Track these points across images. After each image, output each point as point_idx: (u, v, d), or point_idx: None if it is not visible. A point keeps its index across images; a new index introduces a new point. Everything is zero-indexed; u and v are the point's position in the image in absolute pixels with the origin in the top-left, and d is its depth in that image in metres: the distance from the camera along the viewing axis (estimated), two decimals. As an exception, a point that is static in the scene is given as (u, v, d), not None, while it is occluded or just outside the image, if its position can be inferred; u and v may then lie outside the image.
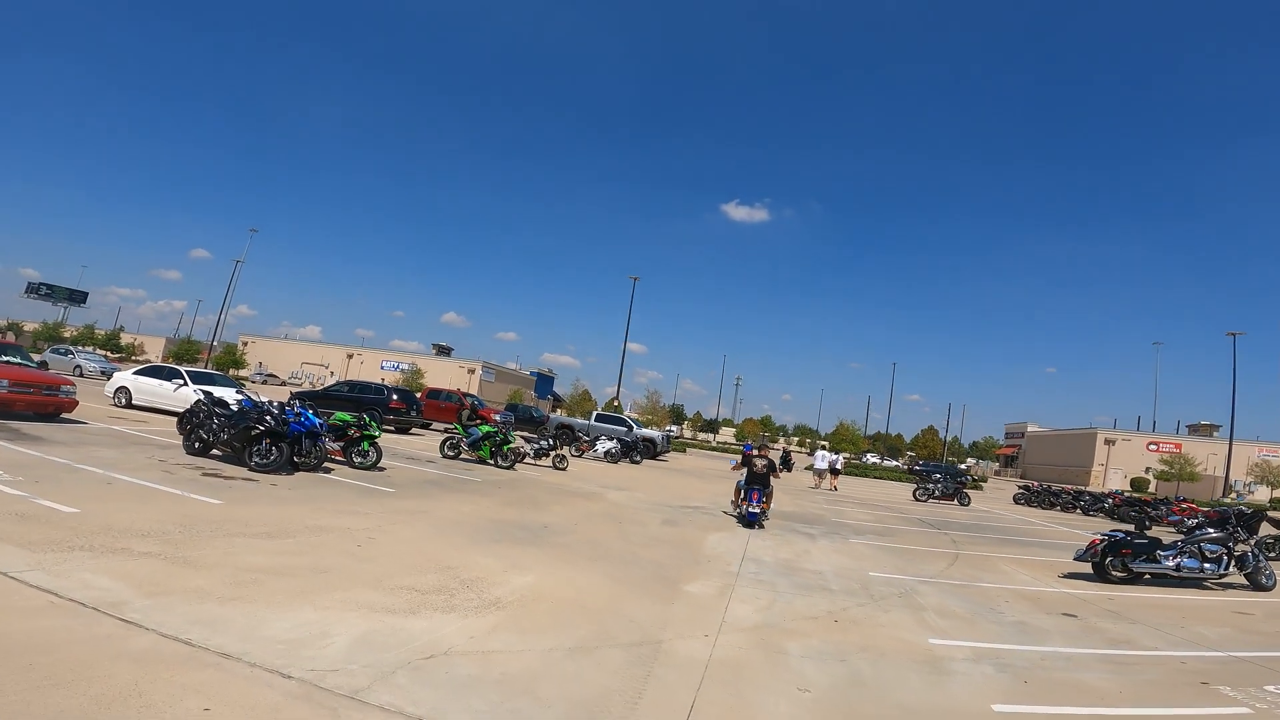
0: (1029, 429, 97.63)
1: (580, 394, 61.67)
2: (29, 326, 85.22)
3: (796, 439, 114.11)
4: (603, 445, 25.23)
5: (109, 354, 67.44)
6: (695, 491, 18.12)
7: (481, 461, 16.51)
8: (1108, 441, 77.38)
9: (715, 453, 57.35)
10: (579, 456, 24.01)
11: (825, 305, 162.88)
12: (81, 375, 30.83)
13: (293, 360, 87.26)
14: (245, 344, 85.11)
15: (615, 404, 44.14)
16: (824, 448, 35.55)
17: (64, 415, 12.36)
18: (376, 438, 12.30)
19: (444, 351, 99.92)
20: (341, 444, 12.08)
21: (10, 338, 70.09)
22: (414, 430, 24.55)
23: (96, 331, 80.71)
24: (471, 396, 31.81)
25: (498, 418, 28.70)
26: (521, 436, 19.12)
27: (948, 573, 9.91)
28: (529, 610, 5.28)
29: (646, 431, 32.97)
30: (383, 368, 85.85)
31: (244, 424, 10.03)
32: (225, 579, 4.78)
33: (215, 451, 10.55)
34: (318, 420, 11.02)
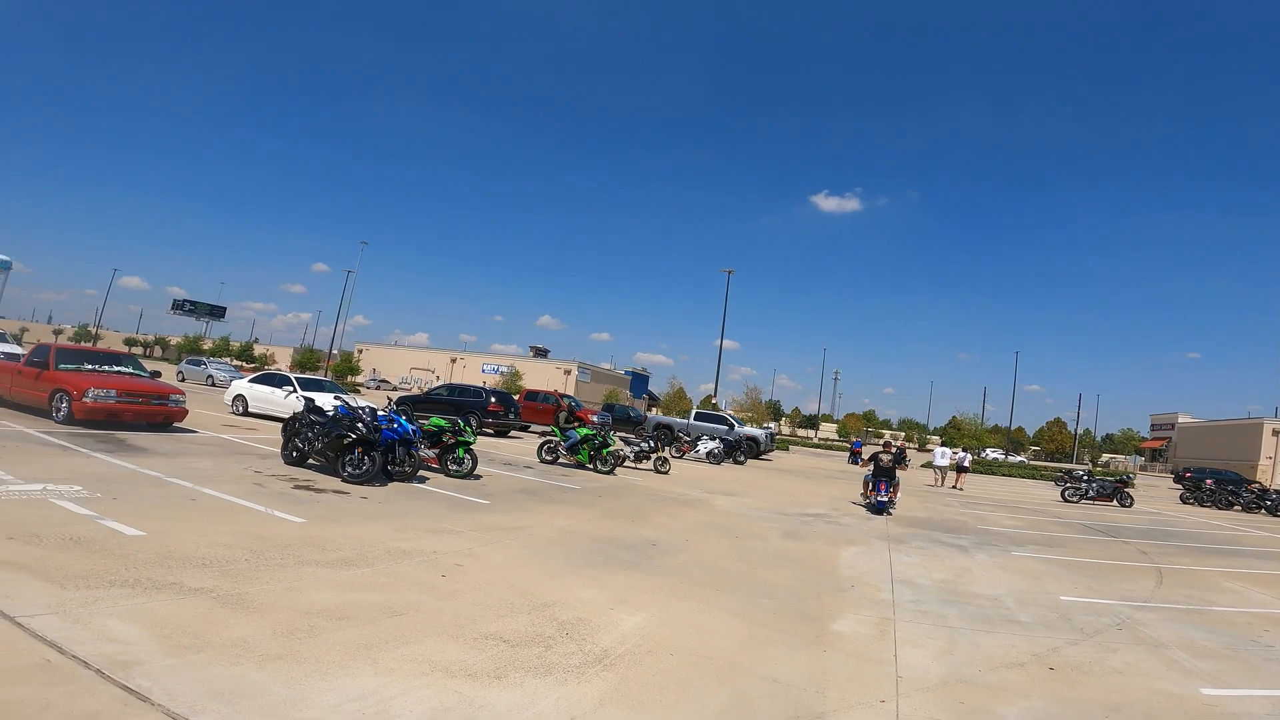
0: (1180, 420, 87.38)
1: (676, 392, 60.70)
2: (174, 340, 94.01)
3: (903, 434, 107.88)
4: (704, 445, 24.00)
5: (242, 364, 73.09)
6: (810, 495, 16.52)
7: (580, 466, 15.67)
8: (1276, 433, 67.76)
9: (819, 450, 54.67)
10: (679, 458, 22.87)
11: (927, 294, 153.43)
12: (213, 384, 32.89)
13: (403, 366, 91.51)
14: (360, 351, 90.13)
15: (712, 401, 42.70)
16: (943, 443, 32.59)
17: (175, 425, 12.51)
18: (471, 444, 11.64)
19: (541, 353, 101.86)
20: (436, 451, 11.50)
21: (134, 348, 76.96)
22: (512, 433, 24.28)
23: (232, 344, 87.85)
24: (568, 398, 31.41)
25: (595, 418, 28.04)
26: (620, 438, 18.16)
27: (1161, 594, 8.00)
28: (643, 668, 4.13)
29: (749, 429, 31.43)
30: (483, 370, 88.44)
31: (336, 432, 9.55)
32: (277, 626, 3.92)
33: (312, 461, 10.15)
34: (411, 427, 10.43)
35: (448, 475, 11.37)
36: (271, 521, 6.69)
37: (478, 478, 11.73)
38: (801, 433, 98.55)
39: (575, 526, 8.81)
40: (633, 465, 17.38)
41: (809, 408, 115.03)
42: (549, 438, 16.20)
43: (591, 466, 15.53)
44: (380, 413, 10.79)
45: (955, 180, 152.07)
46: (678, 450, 23.56)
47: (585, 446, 15.50)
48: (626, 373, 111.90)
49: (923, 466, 34.69)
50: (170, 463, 9.20)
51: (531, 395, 30.51)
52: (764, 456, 30.77)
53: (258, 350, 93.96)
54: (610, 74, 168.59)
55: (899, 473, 15.31)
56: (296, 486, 8.72)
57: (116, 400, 11.34)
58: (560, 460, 15.89)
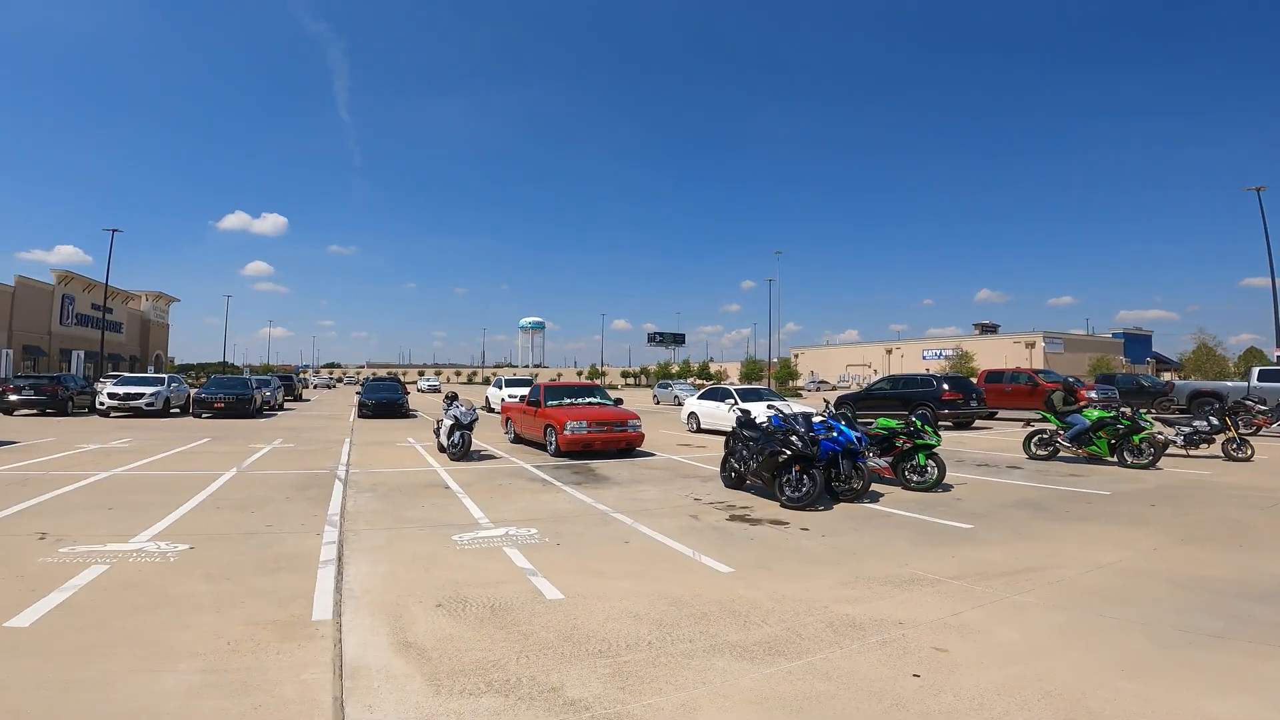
0: None
1: (1201, 349, 44.41)
2: (652, 368, 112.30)
3: None
4: (1298, 415, 15.79)
5: (702, 382, 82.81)
6: None
7: (1094, 459, 11.33)
8: None
9: None
10: (1253, 435, 15.43)
11: None
12: (678, 403, 36.91)
13: (838, 364, 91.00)
14: (796, 356, 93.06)
15: (1278, 356, 29.34)
16: None
17: (636, 449, 13.18)
18: (934, 446, 9.04)
19: (989, 329, 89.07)
20: (889, 459, 9.26)
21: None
22: (976, 423, 20.14)
23: (691, 365, 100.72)
24: (1047, 373, 25.11)
25: (1092, 394, 21.64)
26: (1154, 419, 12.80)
27: None
28: None
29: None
30: (924, 357, 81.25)
31: (770, 449, 8.21)
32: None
33: (751, 482, 9.05)
34: (854, 434, 8.48)
35: (907, 488, 9.01)
36: (694, 571, 5.50)
37: (947, 488, 9.05)
38: None
39: (1134, 562, 5.52)
40: (1182, 453, 11.97)
41: None
42: (1039, 427, 12.24)
43: (1115, 460, 11.05)
44: (817, 419, 9.14)
45: None
46: (1247, 425, 15.98)
47: (1102, 434, 11.12)
48: (1115, 335, 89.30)
49: None
50: (621, 493, 9.17)
51: (994, 376, 25.30)
52: None
53: (713, 368, 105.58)
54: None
55: None
56: (732, 517, 7.61)
57: (588, 430, 12.38)
58: (1060, 455, 11.79)
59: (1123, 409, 11.23)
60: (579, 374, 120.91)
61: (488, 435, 16.70)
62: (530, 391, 14.61)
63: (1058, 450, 11.75)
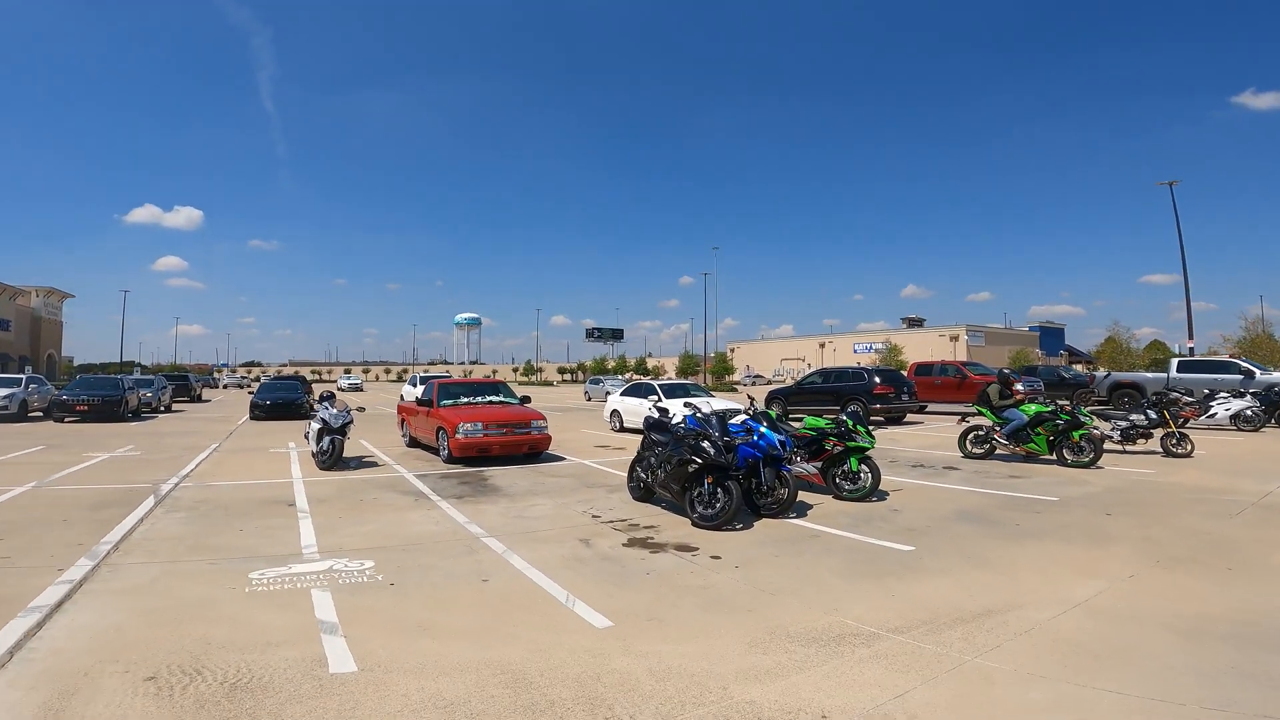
0: None
1: (1113, 342, 46.33)
2: (589, 363, 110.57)
3: None
4: (1222, 406, 15.77)
5: (639, 377, 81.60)
6: None
7: (1032, 458, 10.57)
8: None
9: None
10: (1182, 428, 15.25)
11: None
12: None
13: (773, 359, 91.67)
14: (732, 350, 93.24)
15: (1190, 347, 30.42)
16: None
17: (542, 453, 11.64)
18: (868, 449, 7.93)
19: (915, 323, 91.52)
20: (819, 464, 8.11)
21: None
22: (907, 418, 19.58)
23: (628, 360, 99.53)
24: (975, 365, 24.96)
25: (1020, 388, 21.44)
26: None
27: None
28: None
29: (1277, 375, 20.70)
30: (855, 350, 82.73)
31: (678, 456, 6.87)
32: None
33: (660, 494, 7.70)
34: (776, 437, 7.25)
35: (839, 497, 7.87)
36: (562, 627, 4.09)
37: (883, 496, 7.97)
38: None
39: (1112, 597, 4.45)
40: (1118, 449, 11.38)
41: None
42: (974, 423, 11.43)
43: (1054, 458, 10.30)
44: (736, 420, 7.88)
45: None
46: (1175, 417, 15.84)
47: (1040, 430, 10.34)
48: (1032, 328, 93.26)
49: None
50: (508, 509, 7.68)
51: (923, 369, 24.92)
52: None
53: (650, 363, 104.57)
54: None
55: None
56: (631, 541, 6.24)
57: (485, 434, 10.78)
58: (997, 453, 11.00)
59: (1061, 403, 10.52)
60: (514, 370, 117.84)
61: (388, 439, 14.87)
62: (424, 390, 12.87)
63: (994, 448, 10.95)
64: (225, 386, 62.73)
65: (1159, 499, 7.78)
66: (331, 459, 10.36)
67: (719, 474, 6.61)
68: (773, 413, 9.32)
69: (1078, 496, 7.94)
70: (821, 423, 8.40)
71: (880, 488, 7.95)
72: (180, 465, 11.01)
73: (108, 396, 20.90)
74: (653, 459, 7.56)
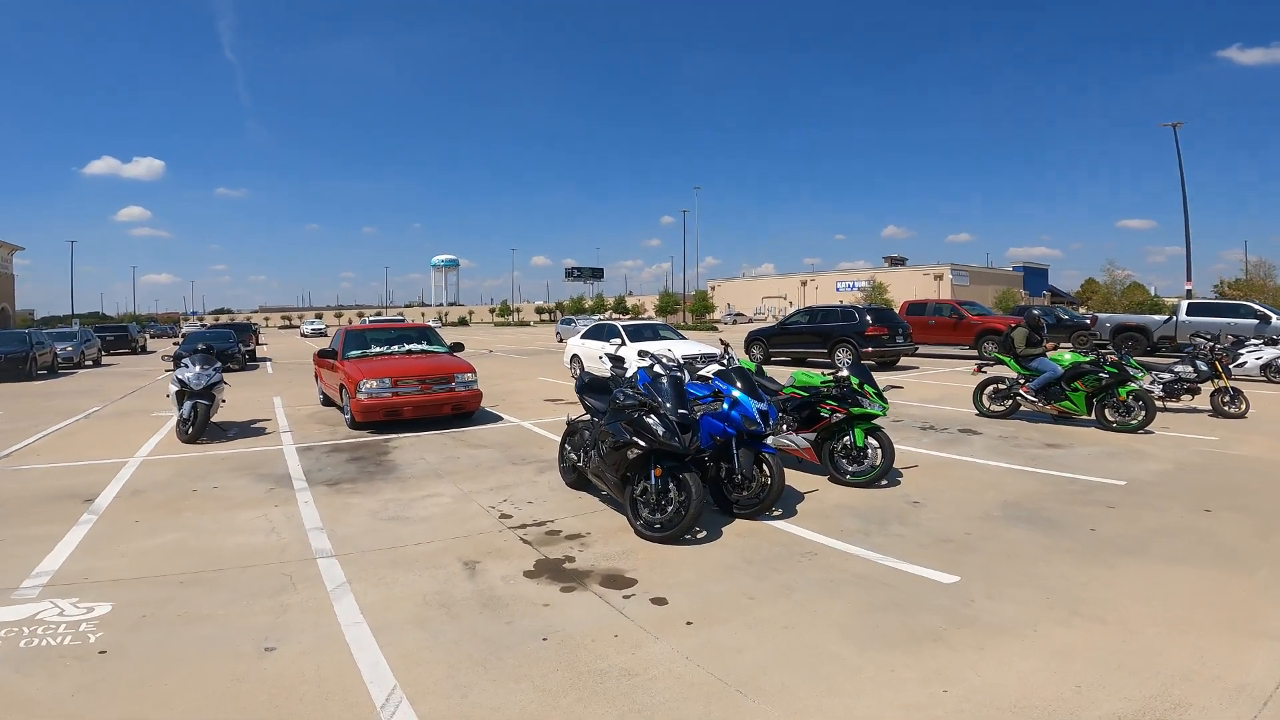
0: None
1: (1095, 285, 44.51)
2: (567, 303, 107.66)
3: None
4: (1253, 355, 14.04)
5: (616, 315, 78.99)
6: None
7: (1064, 418, 8.69)
8: None
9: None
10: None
11: None
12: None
13: (754, 297, 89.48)
14: (713, 288, 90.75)
15: (1188, 289, 28.73)
16: None
17: (472, 411, 9.50)
18: (878, 416, 5.91)
19: (897, 262, 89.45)
20: (812, 434, 6.11)
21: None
22: (901, 362, 17.70)
23: (606, 299, 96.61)
24: (972, 305, 22.98)
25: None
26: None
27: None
28: None
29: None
30: (837, 289, 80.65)
31: (615, 438, 4.76)
32: None
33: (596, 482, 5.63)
34: (757, 406, 5.16)
35: (838, 480, 5.91)
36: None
37: (895, 478, 6.02)
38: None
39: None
40: (1158, 405, 9.54)
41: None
42: (991, 375, 9.49)
43: (1093, 419, 8.42)
44: (711, 369, 5.83)
45: None
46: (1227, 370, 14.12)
47: (1078, 384, 8.42)
48: (1015, 268, 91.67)
49: None
50: (387, 504, 5.61)
51: (916, 308, 22.87)
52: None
53: (630, 301, 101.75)
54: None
55: None
56: (539, 567, 4.23)
57: (392, 392, 8.61)
58: (1022, 410, 9.11)
59: (1105, 352, 8.61)
60: (491, 310, 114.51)
61: (314, 395, 12.64)
62: (332, 339, 10.58)
63: (1017, 405, 9.06)
64: (185, 335, 59.40)
65: (1258, 483, 5.92)
66: (193, 429, 8.18)
67: (672, 462, 4.56)
68: (751, 365, 7.29)
69: (1149, 478, 6.05)
70: (815, 380, 6.35)
71: (890, 467, 5.97)
72: (21, 436, 8.79)
73: (11, 354, 18.34)
74: (587, 434, 5.49)
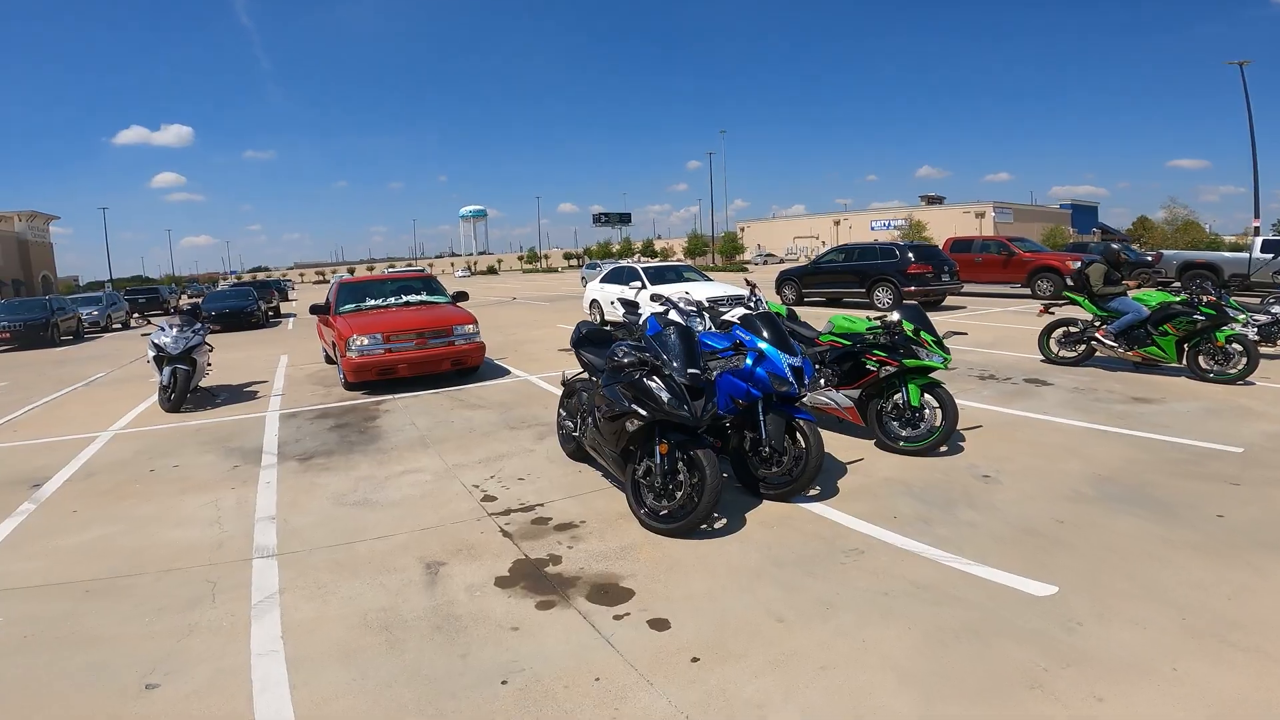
0: None
1: (1179, 220, 41.17)
2: (594, 247, 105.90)
3: None
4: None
5: (644, 258, 76.93)
6: None
7: (1148, 365, 7.52)
8: None
9: None
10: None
11: None
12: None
13: (785, 237, 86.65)
14: (742, 230, 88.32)
15: (1255, 226, 26.23)
16: None
17: (475, 367, 8.69)
18: (938, 369, 4.90)
19: (935, 201, 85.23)
20: (857, 391, 5.14)
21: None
22: (946, 301, 16.36)
23: (634, 243, 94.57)
24: (1024, 241, 21.17)
25: (1078, 265, 18.08)
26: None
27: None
28: None
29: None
30: (872, 228, 77.33)
31: (612, 401, 3.89)
32: None
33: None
34: (787, 361, 4.18)
35: (888, 448, 4.96)
36: None
37: (957, 443, 5.04)
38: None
39: None
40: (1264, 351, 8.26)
41: None
42: (1060, 316, 8.29)
43: (1184, 366, 7.23)
44: (710, 330, 4.90)
45: None
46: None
47: (1169, 329, 7.21)
48: (1063, 206, 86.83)
49: None
50: (358, 484, 4.88)
51: (961, 244, 21.14)
52: None
53: (658, 245, 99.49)
54: None
55: None
56: (514, 571, 3.43)
57: (386, 349, 7.84)
58: (1097, 356, 7.94)
59: (1202, 292, 7.34)
60: (520, 258, 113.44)
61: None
62: (328, 291, 9.81)
63: (1091, 350, 7.90)
64: (205, 294, 60.25)
65: None
66: (175, 396, 7.56)
67: (682, 436, 3.67)
68: (782, 309, 6.33)
69: (1268, 443, 4.94)
70: (859, 325, 5.34)
71: (952, 429, 4.98)
72: (9, 410, 8.34)
73: (31, 321, 18.22)
74: (585, 397, 4.62)
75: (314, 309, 9.53)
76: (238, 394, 8.58)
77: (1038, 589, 2.99)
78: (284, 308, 28.05)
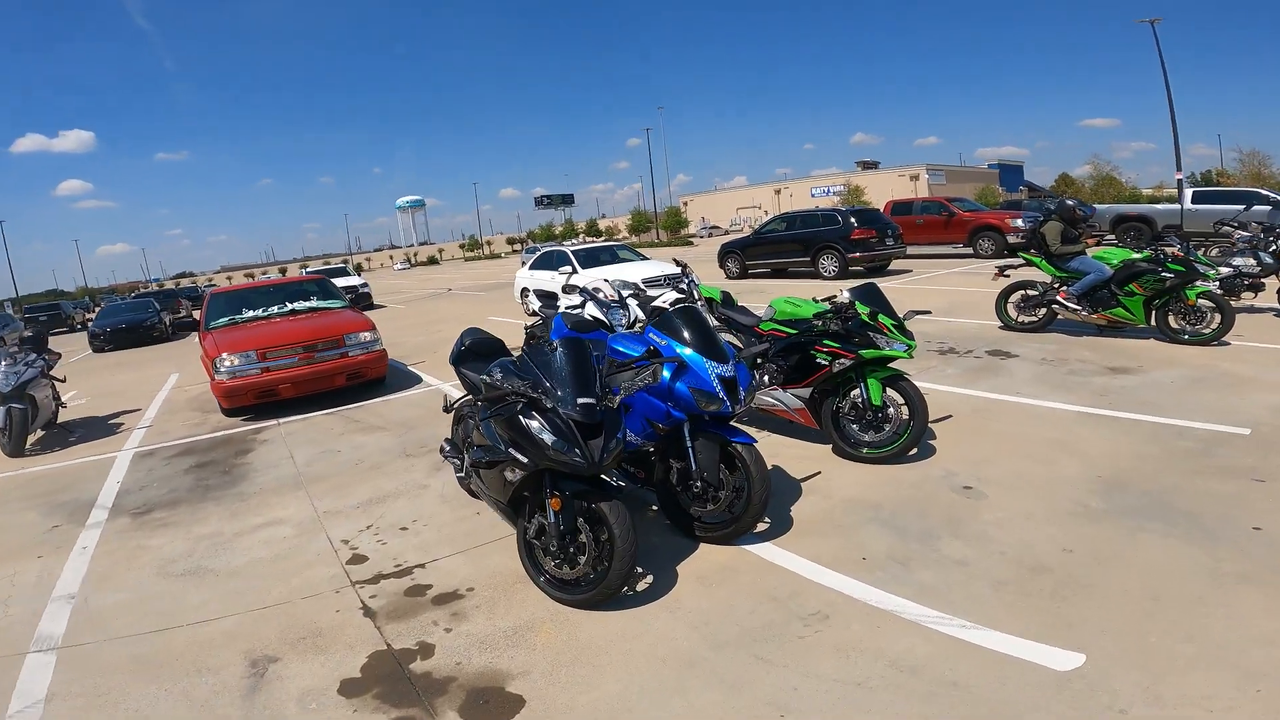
0: None
1: (1102, 175, 41.98)
2: (537, 230, 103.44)
3: None
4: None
5: (589, 239, 75.09)
6: None
7: (1114, 327, 6.96)
8: None
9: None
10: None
11: None
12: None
13: (728, 209, 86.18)
14: (685, 204, 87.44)
15: (1179, 179, 26.75)
16: None
17: (377, 379, 7.56)
18: (900, 357, 4.09)
19: (870, 166, 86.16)
20: (809, 390, 4.31)
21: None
22: (890, 266, 15.86)
23: (577, 224, 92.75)
24: (963, 201, 20.85)
25: (1018, 223, 17.99)
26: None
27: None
28: None
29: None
30: (812, 195, 77.45)
31: (489, 438, 2.93)
32: None
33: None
34: (715, 372, 3.24)
35: (848, 454, 4.15)
36: None
37: (929, 443, 4.27)
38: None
39: None
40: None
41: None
42: (1016, 279, 7.68)
43: (1154, 327, 6.68)
44: (634, 322, 4.01)
45: None
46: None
47: (1135, 288, 6.64)
48: (991, 166, 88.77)
49: None
50: (203, 541, 3.86)
51: (901, 207, 20.74)
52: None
53: (602, 224, 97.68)
54: None
55: None
56: (358, 678, 2.49)
57: (261, 369, 6.66)
58: (1059, 320, 7.36)
59: (1168, 246, 6.79)
60: (461, 247, 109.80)
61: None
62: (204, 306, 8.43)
63: (1053, 315, 7.32)
64: (100, 309, 56.31)
65: None
66: (12, 442, 6.25)
67: (579, 485, 2.76)
68: (716, 293, 5.50)
69: (1273, 418, 4.35)
70: (805, 309, 4.49)
71: (922, 430, 4.20)
72: None
73: None
74: (472, 425, 3.64)
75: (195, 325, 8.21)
76: (99, 428, 7.30)
77: (1061, 659, 2.23)
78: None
